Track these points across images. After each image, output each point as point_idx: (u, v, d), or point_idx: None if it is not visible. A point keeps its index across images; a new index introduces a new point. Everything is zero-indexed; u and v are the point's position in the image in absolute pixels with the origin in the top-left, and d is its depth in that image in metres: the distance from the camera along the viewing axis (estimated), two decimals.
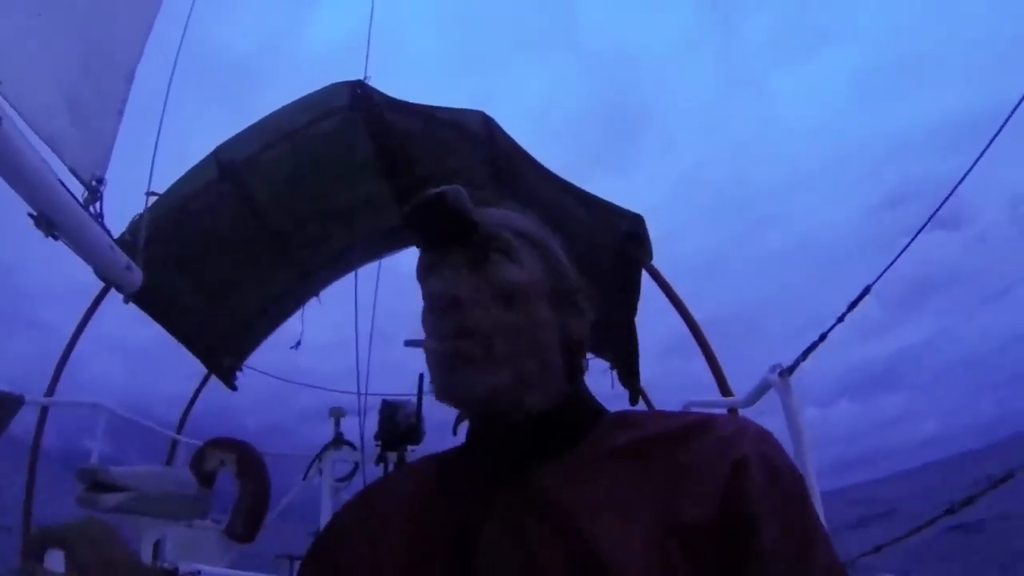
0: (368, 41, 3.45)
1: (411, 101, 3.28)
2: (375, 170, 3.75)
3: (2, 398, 2.73)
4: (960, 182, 1.70)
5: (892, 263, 1.84)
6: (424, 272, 0.68)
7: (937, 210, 1.72)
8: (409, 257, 4.59)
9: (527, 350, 0.63)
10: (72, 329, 3.68)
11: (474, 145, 3.28)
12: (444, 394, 0.63)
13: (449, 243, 0.66)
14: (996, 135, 1.54)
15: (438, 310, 0.63)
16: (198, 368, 4.64)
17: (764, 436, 0.58)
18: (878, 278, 1.92)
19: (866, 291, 1.93)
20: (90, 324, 3.68)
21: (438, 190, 0.65)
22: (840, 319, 1.95)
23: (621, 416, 0.66)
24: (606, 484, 0.57)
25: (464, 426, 0.71)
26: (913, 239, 1.80)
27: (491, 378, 0.61)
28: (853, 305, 1.96)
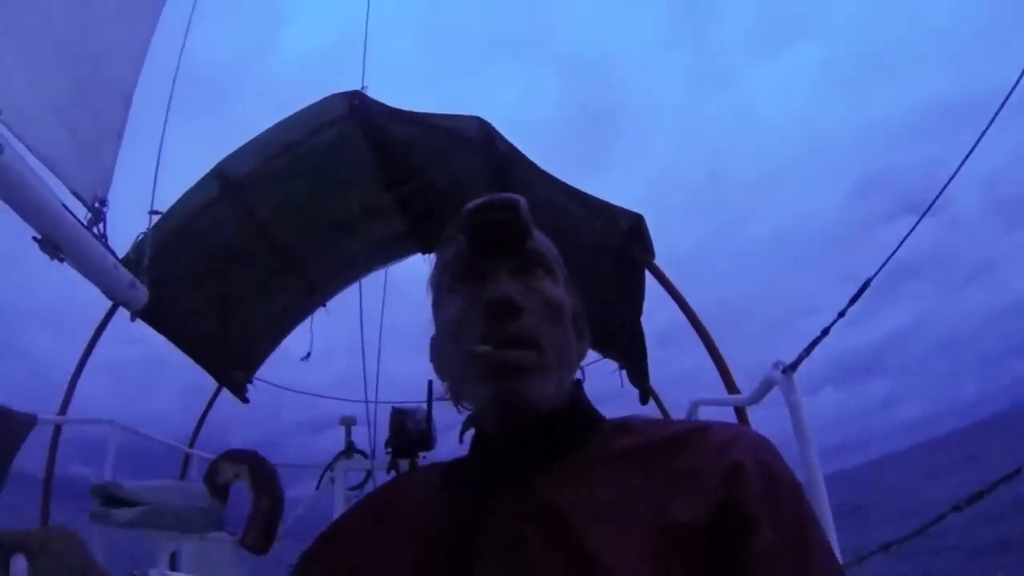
0: (364, 51, 3.48)
1: (408, 109, 3.31)
2: (375, 179, 3.78)
3: (16, 418, 2.78)
4: (952, 177, 1.70)
5: (889, 258, 1.83)
6: (462, 272, 0.69)
7: (932, 203, 1.72)
8: (414, 266, 4.61)
9: (566, 364, 0.67)
10: (81, 350, 3.70)
11: (472, 151, 3.30)
12: (495, 401, 0.62)
13: (500, 249, 0.67)
14: (988, 126, 1.54)
15: (493, 315, 0.63)
16: (197, 384, 4.68)
17: (762, 443, 0.59)
18: (877, 272, 1.92)
19: (866, 285, 1.92)
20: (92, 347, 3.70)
21: (511, 196, 0.67)
22: (841, 314, 1.95)
23: (621, 422, 0.67)
24: (604, 490, 0.58)
25: (468, 435, 0.72)
26: (910, 232, 1.80)
27: (541, 387, 0.62)
28: (854, 300, 1.96)
